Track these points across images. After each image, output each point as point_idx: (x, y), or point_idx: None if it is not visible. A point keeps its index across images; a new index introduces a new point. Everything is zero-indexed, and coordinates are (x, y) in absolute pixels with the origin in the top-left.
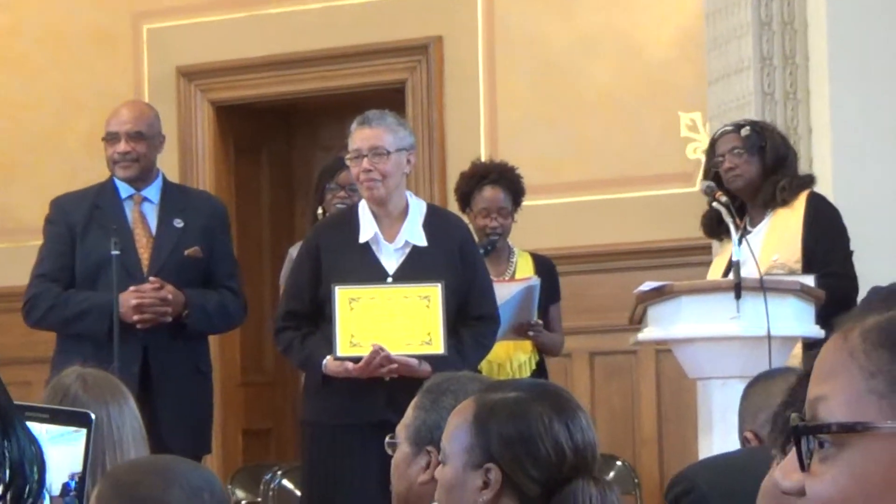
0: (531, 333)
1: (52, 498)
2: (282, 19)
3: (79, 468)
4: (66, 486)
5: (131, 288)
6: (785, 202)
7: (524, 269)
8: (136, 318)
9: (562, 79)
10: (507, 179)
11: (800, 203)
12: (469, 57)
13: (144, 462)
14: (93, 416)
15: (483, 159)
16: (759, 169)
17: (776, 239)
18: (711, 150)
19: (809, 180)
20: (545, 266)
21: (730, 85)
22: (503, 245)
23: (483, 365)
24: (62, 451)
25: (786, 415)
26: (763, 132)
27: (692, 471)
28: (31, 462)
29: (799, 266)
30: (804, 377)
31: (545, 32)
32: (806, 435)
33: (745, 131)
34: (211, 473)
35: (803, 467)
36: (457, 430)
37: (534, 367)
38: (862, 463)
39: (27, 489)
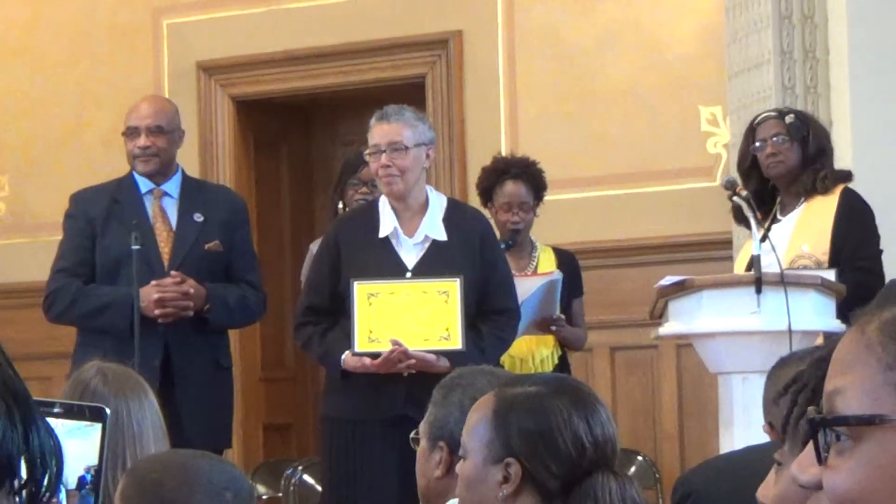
0: (553, 328)
1: (67, 491)
2: (301, 14)
3: (94, 461)
4: (81, 480)
5: (153, 282)
6: (825, 191)
7: (546, 263)
8: (157, 312)
9: (582, 73)
10: (528, 174)
11: (834, 196)
12: (489, 52)
13: (168, 459)
14: (107, 410)
15: (504, 154)
16: (799, 157)
17: (806, 228)
18: (750, 135)
19: (848, 175)
20: (568, 260)
21: (750, 79)
22: (525, 239)
23: (505, 360)
24: (77, 445)
25: (786, 396)
26: (806, 121)
27: (691, 474)
28: (50, 454)
29: (826, 258)
30: (815, 362)
31: (565, 27)
32: (823, 428)
33: (789, 118)
34: (234, 469)
35: (820, 461)
36: (477, 424)
37: (556, 361)
38: (879, 455)
39: (46, 481)
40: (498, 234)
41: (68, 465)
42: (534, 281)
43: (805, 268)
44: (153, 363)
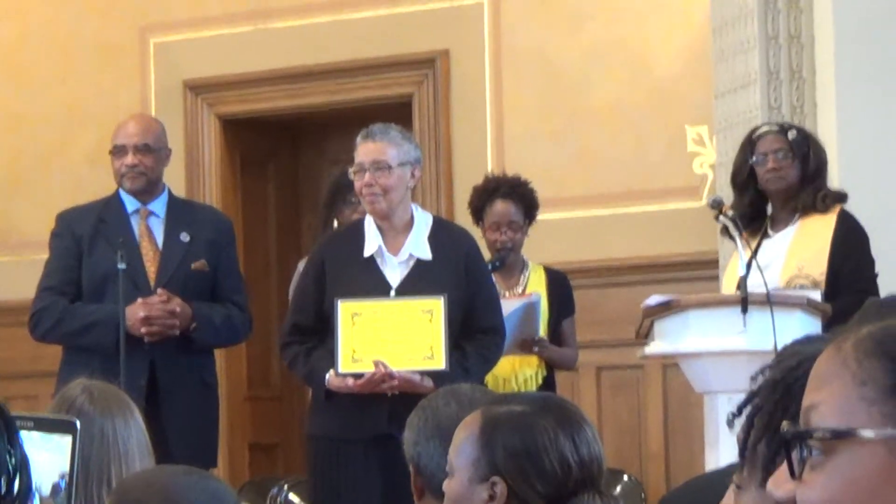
0: (535, 349)
1: (42, 498)
2: (289, 33)
3: (66, 468)
4: (56, 486)
5: (139, 300)
6: (825, 210)
7: (536, 283)
8: (143, 330)
9: (568, 92)
10: (518, 193)
11: (831, 216)
12: (476, 71)
13: (151, 478)
14: (77, 422)
15: (495, 173)
16: (799, 174)
17: (803, 247)
18: (748, 148)
19: (844, 195)
20: (558, 280)
21: (736, 99)
22: (516, 259)
23: (489, 379)
24: (52, 455)
25: (744, 422)
26: (807, 138)
27: (671, 495)
28: (23, 467)
29: (823, 279)
30: (770, 384)
31: (552, 46)
32: (796, 441)
33: (791, 134)
34: (219, 485)
35: (794, 475)
36: (463, 443)
37: (540, 382)
38: (850, 469)
39: (17, 491)
40: (488, 253)
41: (42, 474)
42: (512, 302)
43: (802, 287)
44: (139, 382)
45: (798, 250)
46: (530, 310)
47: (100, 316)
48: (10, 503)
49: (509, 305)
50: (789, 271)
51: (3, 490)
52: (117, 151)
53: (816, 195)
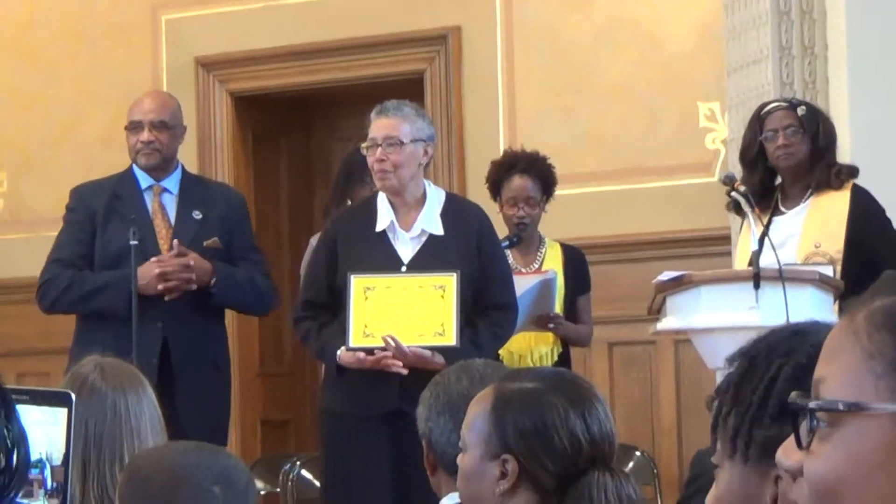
0: (551, 326)
1: (52, 468)
2: (300, 9)
3: (49, 448)
4: (67, 457)
5: (152, 259)
6: (839, 187)
7: (552, 259)
8: (160, 286)
9: (580, 69)
10: (536, 169)
11: (845, 192)
12: (487, 47)
13: (161, 455)
14: (72, 395)
15: (513, 148)
16: (809, 150)
17: (818, 225)
18: (757, 124)
19: (856, 170)
20: (574, 256)
21: (748, 75)
22: (533, 235)
23: (504, 356)
24: (51, 428)
25: (716, 401)
26: (816, 114)
27: (707, 453)
28: (21, 440)
29: (840, 256)
30: (740, 372)
31: (563, 23)
32: (803, 413)
33: (801, 110)
34: (229, 460)
35: (800, 445)
36: (476, 418)
37: (556, 358)
38: (855, 442)
39: (15, 465)
40: (505, 228)
41: (53, 444)
42: (528, 279)
43: (818, 265)
44: (151, 361)
45: (814, 227)
46: (546, 286)
47: (111, 278)
48: (9, 477)
49: (525, 282)
50: (806, 248)
51: (3, 464)
52: (133, 127)
53: (830, 171)
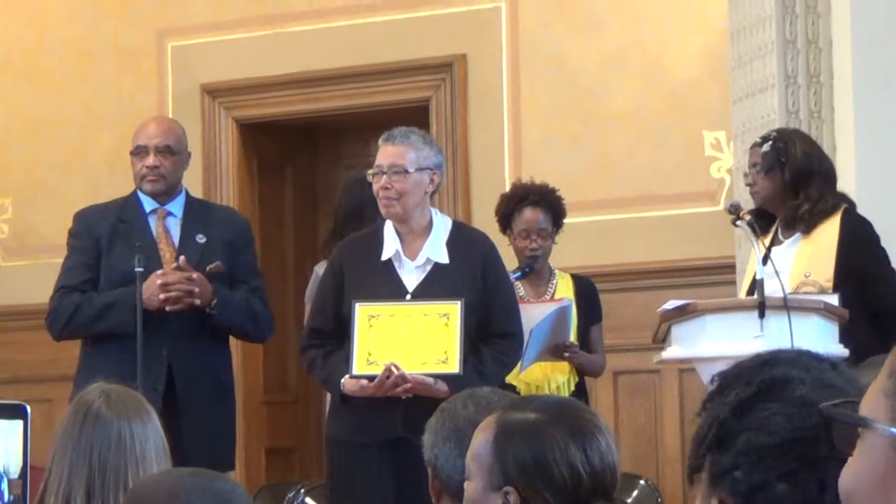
0: (566, 354)
1: (9, 481)
2: (306, 37)
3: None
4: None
5: (156, 272)
6: (810, 228)
7: (564, 290)
8: (162, 296)
9: (586, 97)
10: (546, 201)
11: (834, 220)
12: (493, 75)
13: (158, 481)
14: (28, 407)
15: (513, 177)
16: (775, 186)
17: (809, 254)
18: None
19: (834, 206)
20: (586, 287)
21: (754, 103)
22: (544, 266)
23: (521, 387)
24: (18, 439)
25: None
26: (786, 146)
27: None
28: None
29: (830, 285)
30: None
31: (569, 51)
32: (830, 423)
33: (766, 147)
34: (227, 486)
35: (829, 451)
36: (480, 448)
37: (572, 388)
38: (869, 456)
39: None
40: (515, 260)
41: (10, 458)
42: (544, 307)
43: (809, 294)
44: (157, 387)
45: (804, 257)
46: (563, 314)
47: (117, 297)
48: None
49: (542, 310)
50: (796, 278)
51: None
52: (138, 152)
53: (796, 214)
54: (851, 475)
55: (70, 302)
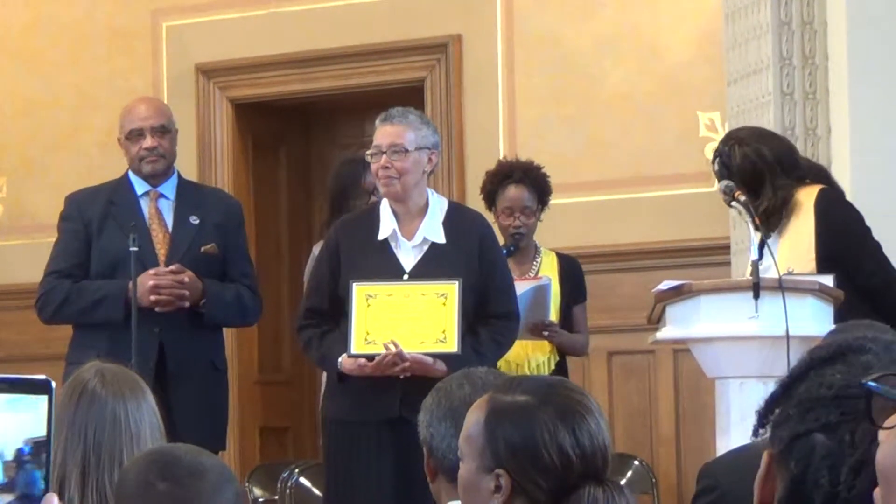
0: (546, 334)
1: (4, 463)
2: (301, 17)
3: (35, 433)
4: (19, 452)
5: (149, 271)
6: (770, 228)
7: (548, 268)
8: (152, 298)
9: (580, 78)
10: (531, 178)
11: (808, 207)
12: (488, 56)
13: (150, 455)
14: (52, 382)
15: (508, 158)
16: (744, 193)
17: (789, 249)
18: None
19: (789, 194)
20: (570, 265)
21: (749, 85)
22: (528, 244)
23: (501, 364)
24: (15, 417)
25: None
26: (730, 155)
27: (717, 466)
28: None
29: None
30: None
31: (564, 32)
32: (871, 395)
33: (715, 165)
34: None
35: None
36: (471, 430)
37: (553, 367)
38: None
39: None
40: (501, 238)
41: (5, 438)
42: (521, 285)
43: (825, 276)
44: (149, 365)
45: (786, 252)
46: (540, 293)
47: (108, 291)
48: None
49: (519, 289)
50: (781, 272)
51: None
52: (133, 135)
53: (754, 210)
54: (887, 452)
55: (61, 289)
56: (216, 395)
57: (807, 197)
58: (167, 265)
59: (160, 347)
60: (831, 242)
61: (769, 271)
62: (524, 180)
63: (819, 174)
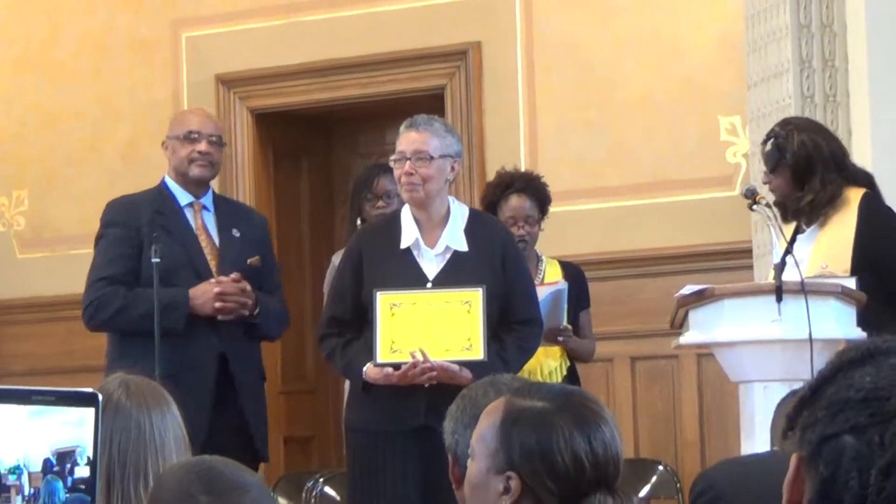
0: (560, 339)
1: (30, 475)
2: (320, 26)
3: (61, 444)
4: (47, 463)
5: (211, 280)
6: (812, 221)
7: (552, 275)
8: (218, 304)
9: (601, 83)
10: (532, 188)
11: (852, 209)
12: (508, 62)
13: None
14: (99, 395)
15: (506, 168)
16: (786, 181)
17: (826, 245)
18: None
19: (834, 195)
20: (573, 273)
21: (769, 88)
22: (531, 253)
23: None
24: (40, 427)
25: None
26: (787, 139)
27: (713, 470)
28: None
29: (847, 275)
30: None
31: (583, 37)
32: None
33: (767, 146)
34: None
35: None
36: (485, 430)
37: (564, 373)
38: None
39: None
40: None
41: (31, 448)
42: (540, 291)
43: (847, 279)
44: (207, 376)
45: (822, 248)
46: (558, 297)
47: (171, 298)
48: None
49: (538, 293)
50: (813, 270)
51: None
52: (189, 137)
53: (799, 206)
54: None
55: (114, 296)
56: (265, 405)
57: (852, 197)
58: (220, 275)
59: (221, 358)
60: (871, 245)
61: (799, 266)
62: (526, 190)
63: (866, 178)
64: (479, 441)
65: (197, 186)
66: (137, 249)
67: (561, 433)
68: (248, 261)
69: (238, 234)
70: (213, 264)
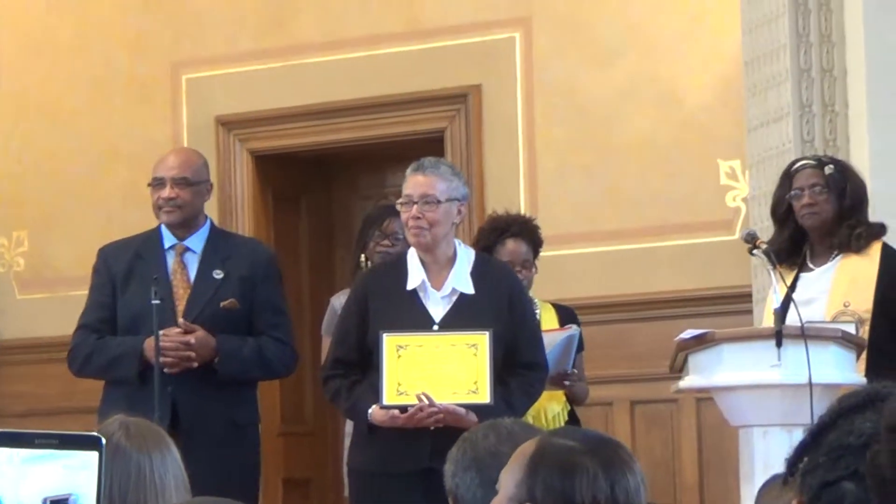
0: (567, 383)
1: None
2: (320, 69)
3: (55, 491)
4: None
5: (151, 336)
6: (858, 250)
7: (548, 320)
8: (162, 360)
9: (600, 127)
10: (528, 232)
11: (874, 252)
12: (508, 106)
13: None
14: (102, 439)
15: (498, 212)
16: (836, 209)
17: (847, 283)
18: (787, 181)
19: (882, 230)
20: (569, 316)
21: (769, 132)
22: None
23: None
24: (36, 472)
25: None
26: (845, 173)
27: None
28: None
29: (869, 316)
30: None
31: (583, 80)
32: None
33: (828, 169)
34: None
35: None
36: (516, 462)
37: (566, 417)
38: None
39: None
40: None
41: (25, 494)
42: (552, 336)
43: (846, 323)
44: (163, 423)
45: (842, 286)
46: (571, 342)
47: (125, 349)
48: None
49: (550, 338)
50: (834, 307)
51: None
52: (156, 184)
53: (851, 234)
54: None
55: (86, 344)
56: (238, 452)
57: (872, 244)
58: (184, 320)
59: (173, 405)
60: (890, 287)
61: (818, 302)
62: (522, 234)
63: (882, 230)
64: (507, 472)
65: (178, 229)
66: (111, 298)
67: (585, 474)
68: (222, 304)
69: (220, 275)
70: (181, 307)
